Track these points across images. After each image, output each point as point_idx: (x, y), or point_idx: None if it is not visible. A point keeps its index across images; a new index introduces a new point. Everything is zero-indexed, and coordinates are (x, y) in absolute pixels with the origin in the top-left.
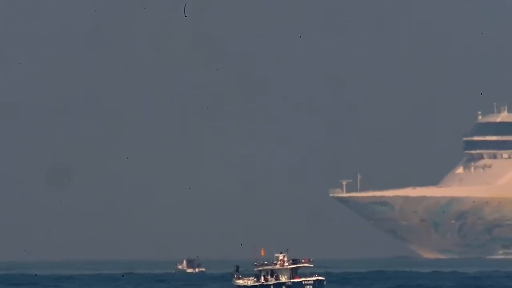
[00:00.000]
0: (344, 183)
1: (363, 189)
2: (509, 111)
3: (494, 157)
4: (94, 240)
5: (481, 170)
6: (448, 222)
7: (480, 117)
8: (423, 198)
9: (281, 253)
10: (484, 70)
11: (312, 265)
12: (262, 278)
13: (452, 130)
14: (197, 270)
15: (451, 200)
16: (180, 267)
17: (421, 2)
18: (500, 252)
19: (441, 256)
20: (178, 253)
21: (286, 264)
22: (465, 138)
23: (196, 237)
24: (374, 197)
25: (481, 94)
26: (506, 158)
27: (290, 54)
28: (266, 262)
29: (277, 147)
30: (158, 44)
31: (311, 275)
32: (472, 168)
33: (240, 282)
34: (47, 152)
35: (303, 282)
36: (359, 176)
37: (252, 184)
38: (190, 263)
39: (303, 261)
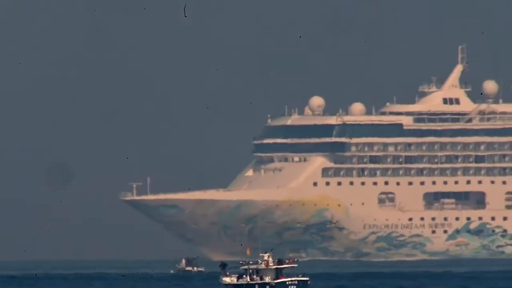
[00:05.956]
0: (134, 186)
1: (153, 192)
2: (299, 114)
3: (285, 160)
4: (94, 240)
5: (272, 173)
6: (238, 226)
7: (269, 120)
8: (213, 202)
9: (265, 253)
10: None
11: (296, 265)
12: (248, 277)
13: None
14: (195, 269)
15: (241, 203)
16: (179, 266)
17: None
18: (290, 255)
19: (231, 259)
20: (178, 253)
21: (270, 264)
22: (255, 141)
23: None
24: (164, 200)
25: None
26: (297, 162)
27: (290, 54)
28: (251, 262)
29: None
30: (158, 44)
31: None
32: (263, 171)
33: (228, 280)
34: (47, 152)
35: (287, 283)
36: (149, 179)
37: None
38: (189, 262)
39: (287, 261)
